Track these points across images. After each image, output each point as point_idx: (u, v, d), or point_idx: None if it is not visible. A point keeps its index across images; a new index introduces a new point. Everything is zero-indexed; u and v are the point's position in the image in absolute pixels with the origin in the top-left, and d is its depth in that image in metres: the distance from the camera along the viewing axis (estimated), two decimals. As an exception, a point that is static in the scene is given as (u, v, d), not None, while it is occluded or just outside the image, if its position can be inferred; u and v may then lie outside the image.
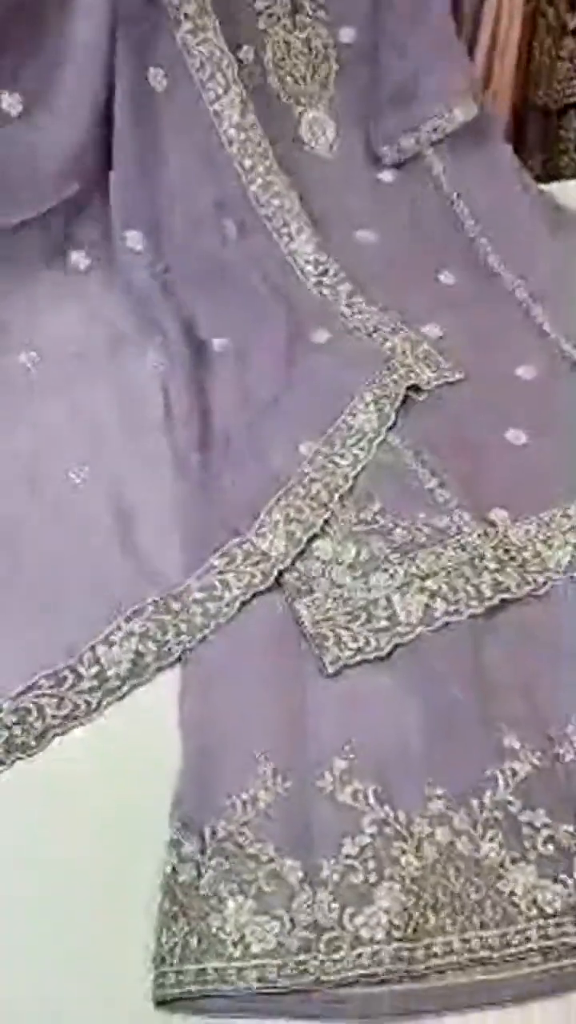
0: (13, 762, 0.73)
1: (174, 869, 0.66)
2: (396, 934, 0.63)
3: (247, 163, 1.22)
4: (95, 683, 0.78)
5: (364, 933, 0.63)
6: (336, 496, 0.93)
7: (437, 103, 1.31)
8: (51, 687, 0.77)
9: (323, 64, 1.33)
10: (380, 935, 0.63)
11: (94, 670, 0.79)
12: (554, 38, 1.59)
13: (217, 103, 1.20)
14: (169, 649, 0.80)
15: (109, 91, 1.15)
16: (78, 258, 1.21)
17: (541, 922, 0.64)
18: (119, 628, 0.81)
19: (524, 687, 0.78)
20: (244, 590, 0.84)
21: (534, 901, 0.65)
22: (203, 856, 0.67)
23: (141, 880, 0.67)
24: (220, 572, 0.85)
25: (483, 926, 0.64)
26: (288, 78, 1.31)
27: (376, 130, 1.34)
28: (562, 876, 0.66)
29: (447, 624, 0.81)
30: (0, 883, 0.68)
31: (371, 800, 0.70)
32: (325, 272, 1.21)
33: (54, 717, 0.76)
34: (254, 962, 0.62)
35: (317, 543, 0.89)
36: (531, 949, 0.64)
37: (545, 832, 0.69)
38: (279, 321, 1.14)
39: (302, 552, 0.87)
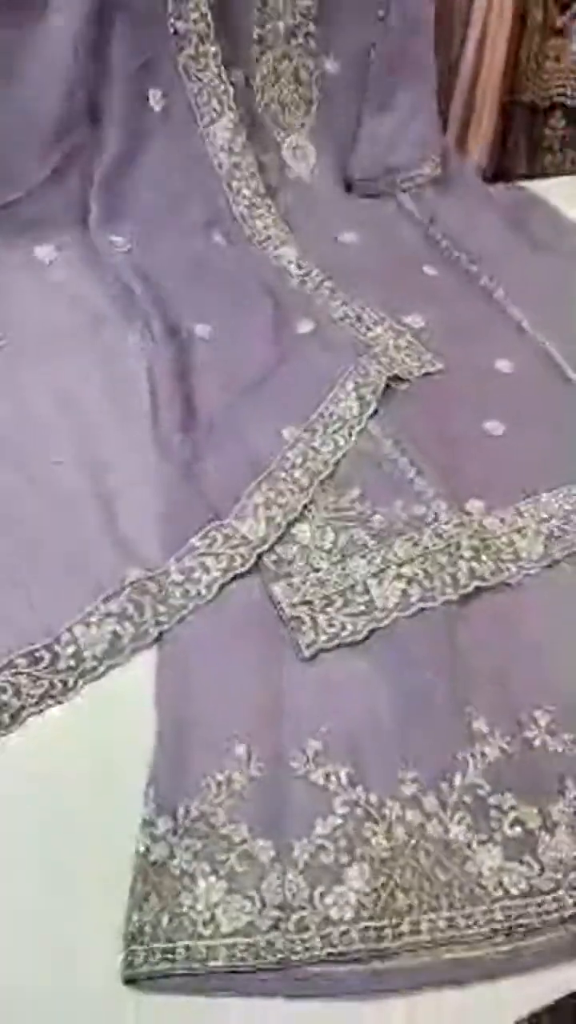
0: (-12, 740, 0.73)
1: (147, 848, 0.67)
2: (365, 914, 0.64)
3: (235, 185, 1.26)
4: (72, 663, 0.78)
5: (333, 913, 0.64)
6: (316, 482, 0.93)
7: (413, 157, 1.39)
8: (27, 666, 0.77)
9: (307, 92, 1.36)
10: (349, 915, 0.64)
11: (71, 650, 0.78)
12: (542, 37, 1.60)
13: (211, 127, 1.23)
14: (147, 630, 0.80)
15: (88, 82, 1.16)
16: (47, 250, 1.21)
17: (506, 903, 0.66)
18: (97, 608, 0.81)
19: (495, 673, 0.79)
20: (223, 573, 0.84)
21: (500, 883, 0.67)
22: (176, 836, 0.68)
23: (113, 859, 0.67)
24: (200, 554, 0.85)
25: (450, 906, 0.65)
26: (274, 104, 1.34)
27: (353, 167, 1.40)
28: (527, 858, 0.68)
29: (422, 610, 0.82)
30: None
31: (344, 782, 0.71)
32: (308, 274, 1.23)
33: (30, 696, 0.75)
34: (224, 941, 0.63)
35: (296, 528, 0.89)
36: (496, 929, 0.65)
37: (512, 815, 0.70)
38: (264, 309, 1.15)
39: (281, 536, 0.88)
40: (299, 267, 1.24)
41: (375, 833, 0.68)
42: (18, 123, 1.17)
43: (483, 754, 0.73)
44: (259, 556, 0.86)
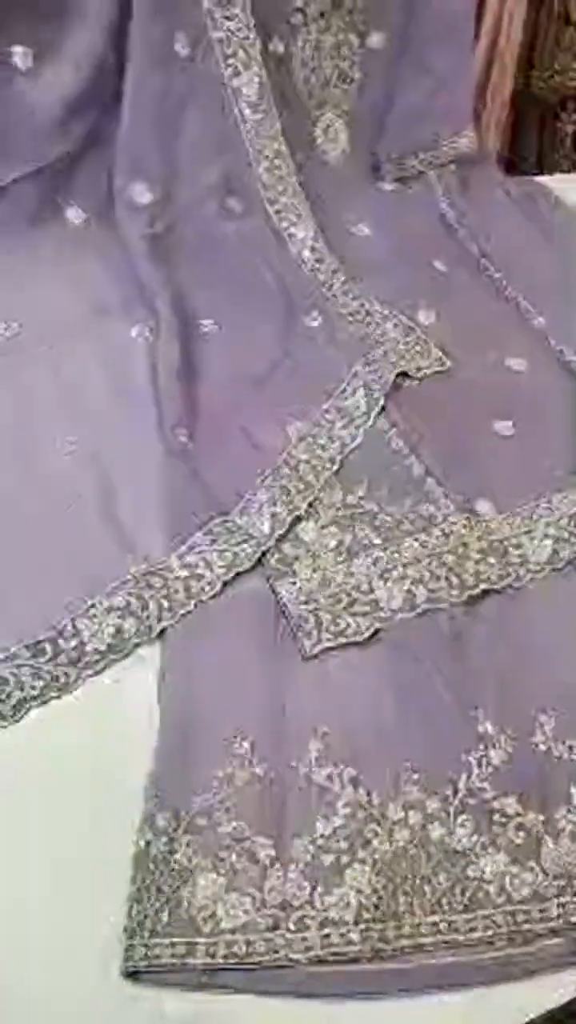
0: (-12, 732, 0.73)
1: (148, 843, 0.67)
2: (365, 915, 0.64)
3: (258, 144, 1.22)
4: (74, 656, 0.77)
5: (333, 913, 0.64)
6: (322, 479, 0.93)
7: (447, 126, 1.36)
8: (29, 658, 0.76)
9: (348, 69, 1.33)
10: (349, 915, 0.64)
11: (73, 643, 0.78)
12: (556, 30, 1.59)
13: (236, 79, 1.19)
14: (150, 626, 0.80)
15: (117, 41, 1.13)
16: (74, 214, 1.20)
17: (508, 908, 0.65)
18: (100, 602, 0.80)
19: (501, 676, 0.78)
20: (227, 569, 0.83)
21: (502, 887, 0.66)
22: (177, 832, 0.67)
23: (114, 853, 0.67)
24: (203, 550, 0.85)
25: (452, 910, 0.65)
26: (313, 78, 1.31)
27: (382, 147, 1.37)
28: (530, 864, 0.67)
29: (427, 611, 0.82)
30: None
31: (346, 783, 0.71)
32: (321, 260, 1.21)
33: (32, 688, 0.75)
34: (223, 938, 0.63)
35: (301, 525, 0.88)
36: (498, 934, 0.65)
37: (516, 820, 0.69)
38: (273, 301, 1.14)
39: (286, 533, 0.87)
40: (312, 250, 1.22)
41: (377, 835, 0.68)
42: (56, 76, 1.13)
43: (488, 758, 0.73)
44: (263, 553, 0.85)
